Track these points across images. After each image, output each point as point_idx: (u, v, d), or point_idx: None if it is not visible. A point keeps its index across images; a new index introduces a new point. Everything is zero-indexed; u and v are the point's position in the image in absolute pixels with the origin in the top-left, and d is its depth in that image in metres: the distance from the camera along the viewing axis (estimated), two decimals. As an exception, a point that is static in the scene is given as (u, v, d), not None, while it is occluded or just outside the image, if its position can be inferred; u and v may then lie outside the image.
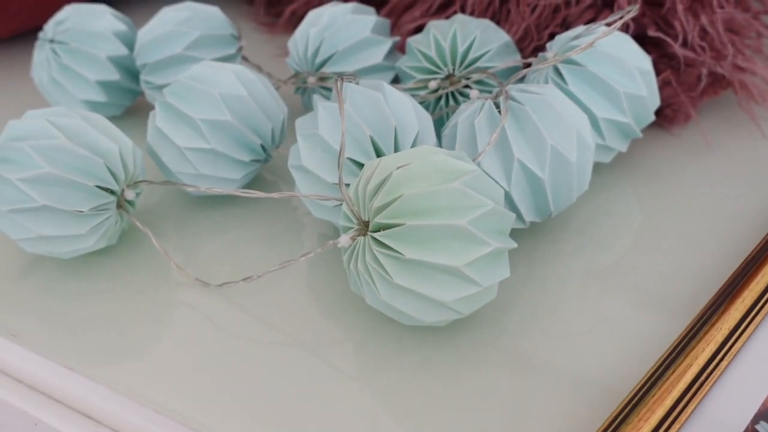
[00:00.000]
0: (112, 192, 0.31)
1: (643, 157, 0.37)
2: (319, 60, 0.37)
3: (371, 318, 0.29)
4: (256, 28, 0.48)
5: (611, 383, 0.27)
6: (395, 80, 0.38)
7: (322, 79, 0.37)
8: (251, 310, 0.30)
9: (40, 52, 0.39)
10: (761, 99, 0.37)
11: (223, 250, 0.33)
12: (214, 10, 0.38)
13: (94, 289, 0.31)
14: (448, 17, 0.40)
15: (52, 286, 0.32)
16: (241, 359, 0.28)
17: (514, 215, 0.27)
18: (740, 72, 0.36)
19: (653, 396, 0.24)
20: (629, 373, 0.27)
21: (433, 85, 0.35)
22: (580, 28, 0.34)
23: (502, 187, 0.29)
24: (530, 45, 0.38)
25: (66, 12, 0.39)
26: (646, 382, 0.25)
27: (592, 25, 0.33)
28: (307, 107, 0.39)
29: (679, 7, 0.35)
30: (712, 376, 0.25)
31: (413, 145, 0.30)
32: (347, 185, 0.30)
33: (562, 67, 0.33)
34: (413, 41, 0.36)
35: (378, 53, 0.37)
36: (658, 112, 0.38)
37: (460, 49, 0.35)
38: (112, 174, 0.30)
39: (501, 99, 0.30)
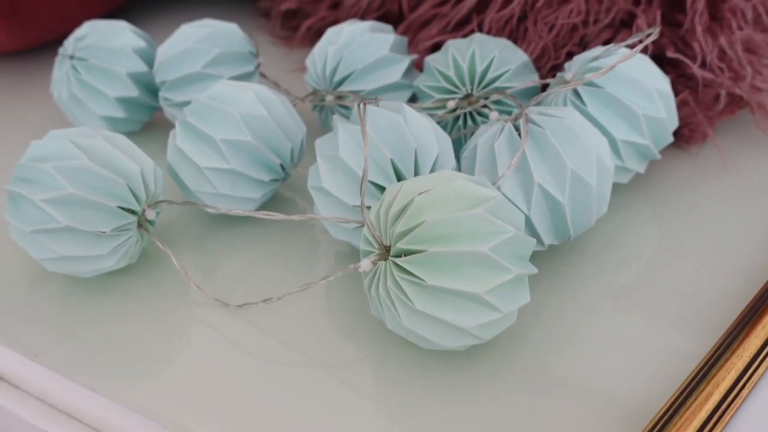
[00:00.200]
0: (133, 212, 0.31)
1: (660, 176, 0.37)
2: (337, 78, 0.37)
3: (389, 340, 0.30)
4: (273, 41, 0.48)
5: (634, 404, 0.27)
6: (412, 99, 0.38)
7: (340, 97, 0.37)
8: (270, 331, 0.30)
9: (60, 68, 0.39)
10: (779, 119, 0.37)
11: (241, 269, 0.33)
12: (233, 28, 0.39)
13: (114, 309, 0.32)
14: (465, 35, 0.40)
15: (72, 305, 0.32)
16: (260, 379, 0.28)
17: (534, 241, 0.27)
18: (758, 93, 0.36)
19: (675, 425, 0.24)
20: (652, 393, 0.27)
21: (451, 104, 0.35)
22: (598, 49, 0.34)
23: (521, 210, 0.30)
24: (547, 64, 0.38)
25: (86, 28, 0.39)
26: (666, 411, 0.25)
27: (611, 47, 0.33)
28: (325, 124, 0.39)
29: (698, 28, 0.35)
30: (733, 404, 0.25)
31: (433, 168, 0.30)
32: (368, 208, 0.30)
33: (581, 89, 0.33)
34: (431, 60, 0.36)
35: (396, 72, 0.37)
36: (676, 132, 0.38)
37: (479, 69, 0.35)
38: (134, 194, 0.31)
39: (521, 122, 0.30)
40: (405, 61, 0.37)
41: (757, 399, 0.26)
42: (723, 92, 0.35)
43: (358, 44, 0.37)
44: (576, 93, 0.33)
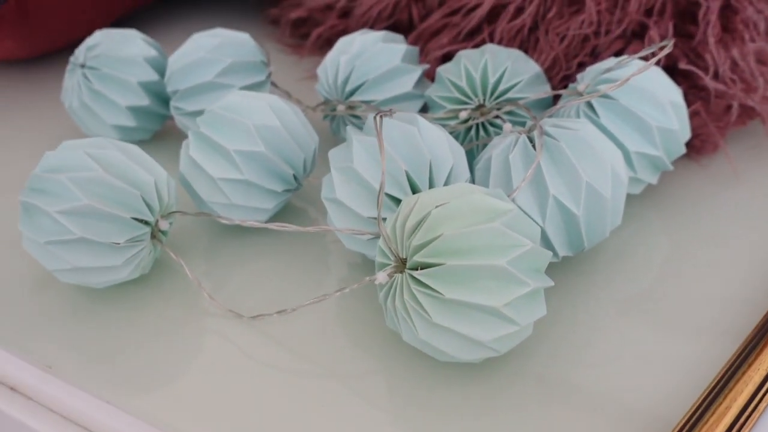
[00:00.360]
0: (146, 223, 0.31)
1: (671, 187, 0.37)
2: (349, 88, 0.37)
3: (402, 351, 0.30)
4: (281, 49, 0.48)
5: (649, 416, 0.27)
6: (423, 109, 0.38)
7: (352, 107, 0.37)
8: (282, 341, 0.30)
9: (71, 77, 0.39)
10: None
11: (252, 280, 0.33)
12: (245, 37, 0.39)
13: (126, 319, 0.32)
14: (476, 45, 0.40)
15: (85, 315, 0.32)
16: (272, 390, 0.28)
17: (551, 253, 0.27)
18: (769, 104, 0.36)
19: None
20: (668, 404, 0.27)
21: (463, 115, 0.35)
22: (610, 61, 0.34)
23: (536, 222, 0.30)
24: (559, 74, 0.38)
25: (97, 37, 0.39)
26: (684, 425, 0.25)
27: (624, 58, 0.33)
28: (336, 134, 0.39)
29: (711, 40, 0.35)
30: (751, 417, 0.25)
31: (448, 179, 0.30)
32: (383, 220, 0.30)
33: (594, 100, 0.33)
34: (443, 70, 0.36)
35: (408, 82, 0.37)
36: (687, 143, 0.38)
37: (491, 80, 0.35)
38: (148, 205, 0.31)
39: (536, 134, 0.30)
40: (417, 71, 0.37)
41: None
42: (736, 104, 0.35)
43: (370, 54, 0.37)
44: (589, 104, 0.33)
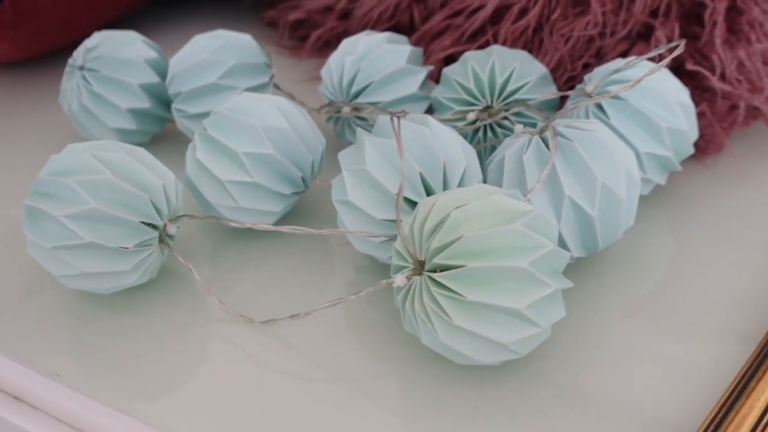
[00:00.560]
0: (154, 227, 0.30)
1: (677, 187, 0.37)
2: (354, 90, 0.36)
3: (414, 353, 0.29)
4: (279, 51, 0.48)
5: (665, 419, 0.27)
6: (429, 110, 0.38)
7: (357, 109, 0.36)
8: (293, 346, 0.30)
9: (70, 80, 0.38)
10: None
11: (258, 283, 0.33)
12: (247, 39, 0.38)
13: (133, 325, 0.31)
14: (479, 46, 0.40)
15: (91, 322, 0.31)
16: (284, 395, 0.28)
17: (569, 254, 0.27)
18: (774, 104, 0.37)
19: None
20: (683, 407, 0.27)
21: (471, 116, 0.35)
22: (619, 62, 0.34)
23: (551, 223, 0.29)
24: (564, 75, 0.38)
25: (96, 39, 0.38)
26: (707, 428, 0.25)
27: (633, 59, 0.33)
28: (340, 136, 0.39)
29: (717, 41, 0.35)
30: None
31: (461, 181, 0.30)
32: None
33: (604, 101, 0.33)
34: (450, 72, 0.36)
35: (413, 83, 0.37)
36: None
37: (499, 81, 0.35)
38: (156, 209, 0.30)
39: (549, 135, 0.30)
40: (422, 73, 0.37)
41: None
42: (743, 105, 0.35)
43: (375, 55, 0.36)
44: (598, 106, 0.33)
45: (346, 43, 0.37)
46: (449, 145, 0.30)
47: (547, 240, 0.26)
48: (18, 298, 0.32)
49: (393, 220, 0.30)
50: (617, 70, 0.33)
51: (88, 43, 0.38)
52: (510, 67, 0.35)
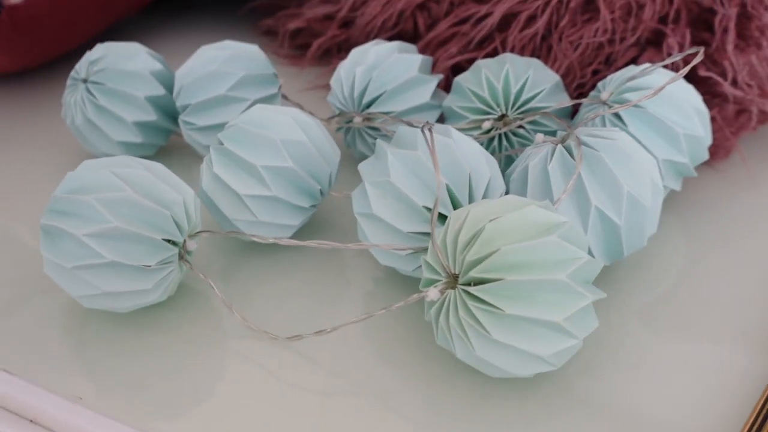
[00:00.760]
0: (174, 243, 0.30)
1: (688, 191, 0.37)
2: (366, 100, 0.36)
3: (439, 366, 0.29)
4: (278, 60, 0.47)
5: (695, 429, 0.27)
6: (440, 119, 0.38)
7: (369, 119, 0.36)
8: (315, 360, 0.29)
9: (73, 93, 0.37)
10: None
11: (275, 298, 0.32)
12: (255, 49, 0.38)
13: (152, 343, 0.30)
14: (487, 54, 0.40)
15: (109, 342, 0.30)
16: (308, 412, 0.28)
17: (602, 264, 0.27)
18: (782, 109, 0.37)
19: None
20: (712, 415, 0.27)
21: (486, 125, 0.35)
22: (633, 69, 0.34)
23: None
24: (573, 82, 0.38)
25: (99, 51, 0.37)
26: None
27: (648, 66, 0.33)
28: (351, 146, 0.38)
29: (729, 47, 0.35)
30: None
31: (485, 192, 0.30)
32: (422, 234, 0.29)
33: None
34: (462, 80, 0.36)
35: (425, 92, 0.36)
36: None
37: (513, 90, 0.35)
38: (177, 225, 0.29)
39: (572, 144, 0.30)
40: (433, 81, 0.37)
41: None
42: (755, 109, 0.35)
43: (387, 65, 0.36)
44: (616, 113, 0.33)
45: (355, 53, 0.37)
46: (473, 157, 0.30)
47: (582, 251, 0.26)
48: (36, 323, 0.31)
49: (419, 233, 0.29)
50: (632, 78, 0.33)
51: (91, 55, 0.37)
52: (524, 75, 0.35)
